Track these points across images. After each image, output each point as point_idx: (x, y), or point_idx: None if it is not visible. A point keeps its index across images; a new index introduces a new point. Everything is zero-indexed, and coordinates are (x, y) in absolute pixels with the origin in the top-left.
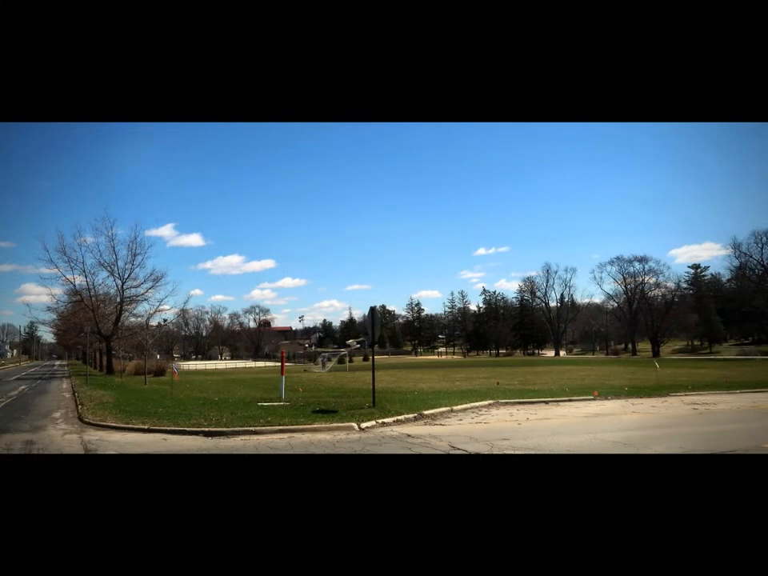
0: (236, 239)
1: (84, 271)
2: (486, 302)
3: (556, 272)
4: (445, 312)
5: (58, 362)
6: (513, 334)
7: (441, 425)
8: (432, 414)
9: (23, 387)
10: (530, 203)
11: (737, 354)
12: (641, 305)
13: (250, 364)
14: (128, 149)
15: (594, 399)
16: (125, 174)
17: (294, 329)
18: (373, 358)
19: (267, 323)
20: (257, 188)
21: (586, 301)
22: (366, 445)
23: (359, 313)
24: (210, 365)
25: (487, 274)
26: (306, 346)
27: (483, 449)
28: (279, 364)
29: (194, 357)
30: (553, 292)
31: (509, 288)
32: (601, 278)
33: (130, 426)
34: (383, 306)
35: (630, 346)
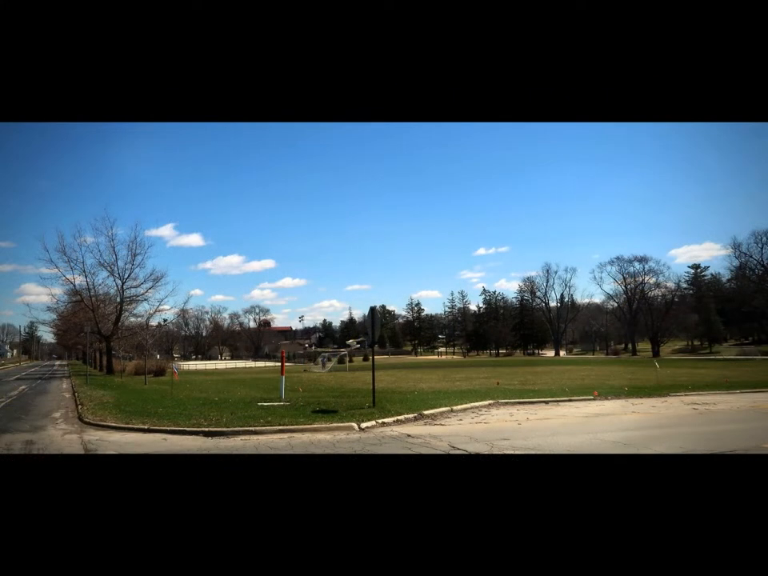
0: (236, 239)
1: (84, 271)
2: (485, 302)
3: (556, 272)
4: (445, 312)
5: (58, 362)
6: (513, 334)
7: (441, 425)
8: (432, 414)
9: (23, 387)
10: (530, 203)
11: (737, 354)
12: (641, 305)
13: (250, 364)
14: (128, 149)
15: (594, 399)
16: (125, 174)
17: (294, 329)
18: (373, 358)
19: (267, 323)
20: (257, 188)
21: (586, 301)
22: (366, 445)
23: (359, 313)
24: (209, 365)
25: (487, 274)
26: (306, 346)
27: (483, 449)
28: (279, 364)
29: (193, 357)
30: (553, 292)
31: (509, 288)
32: (601, 277)
33: (130, 426)
34: (383, 306)
35: (630, 346)
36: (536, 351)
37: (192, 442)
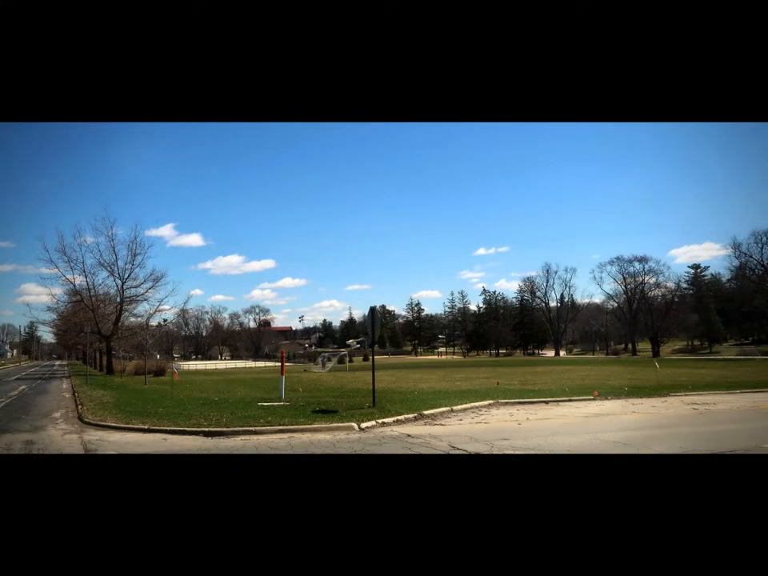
0: (236, 239)
1: (84, 271)
2: (485, 302)
3: (556, 272)
4: (445, 312)
5: (58, 362)
6: (513, 334)
7: (441, 425)
8: (432, 414)
9: (23, 387)
10: (530, 203)
11: (737, 354)
12: (641, 305)
13: (250, 364)
14: (128, 149)
15: (594, 399)
16: (125, 174)
17: (294, 329)
18: (373, 358)
19: (267, 323)
20: (257, 188)
21: (586, 301)
22: (366, 445)
23: (359, 313)
24: (210, 365)
25: (487, 274)
26: (306, 346)
27: (483, 449)
28: (279, 364)
29: (194, 357)
30: (553, 292)
31: (509, 288)
32: (601, 278)
33: (130, 426)
34: (383, 306)
35: (630, 346)
36: (536, 351)
37: (192, 442)
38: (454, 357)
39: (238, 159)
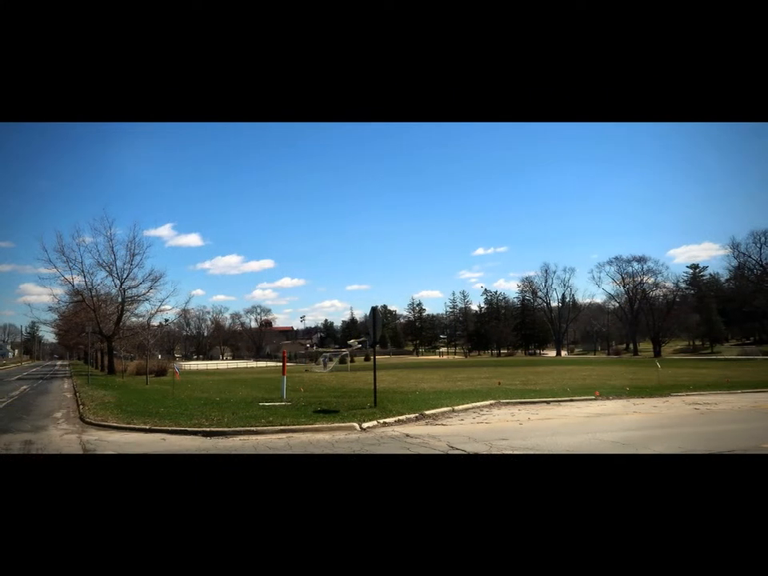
0: (235, 239)
1: (83, 271)
2: (487, 301)
3: (554, 272)
4: (446, 312)
5: (59, 362)
6: (514, 334)
7: (442, 425)
8: (433, 414)
9: (24, 387)
10: (530, 203)
11: (738, 354)
12: (642, 305)
13: (252, 364)
14: (128, 149)
15: (595, 399)
16: (124, 174)
17: (295, 329)
18: (374, 358)
19: (269, 323)
20: (257, 188)
21: (588, 301)
22: (365, 445)
23: (360, 313)
24: (211, 365)
25: (486, 274)
26: (308, 346)
27: (482, 449)
28: (281, 364)
29: (195, 357)
30: (554, 292)
31: (507, 288)
32: (599, 278)
33: (131, 426)
34: (384, 306)
35: (631, 346)
36: (537, 351)
37: (191, 442)
38: (456, 357)
39: (238, 159)
